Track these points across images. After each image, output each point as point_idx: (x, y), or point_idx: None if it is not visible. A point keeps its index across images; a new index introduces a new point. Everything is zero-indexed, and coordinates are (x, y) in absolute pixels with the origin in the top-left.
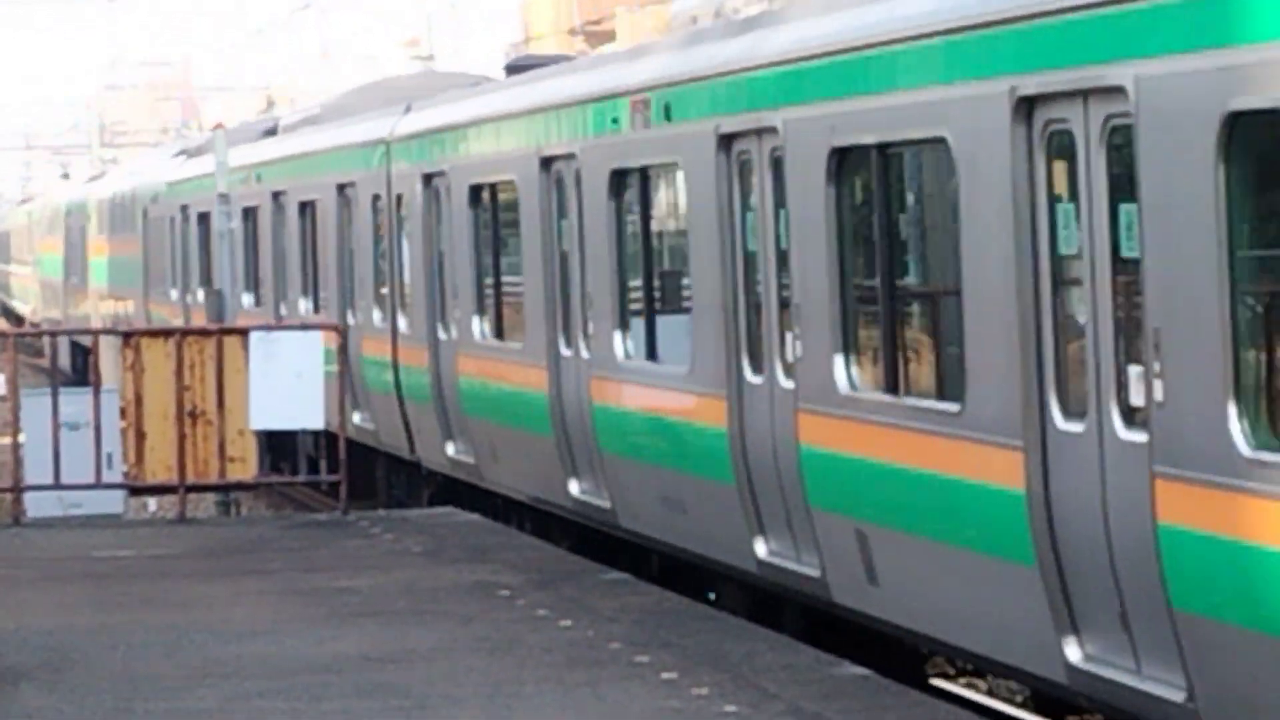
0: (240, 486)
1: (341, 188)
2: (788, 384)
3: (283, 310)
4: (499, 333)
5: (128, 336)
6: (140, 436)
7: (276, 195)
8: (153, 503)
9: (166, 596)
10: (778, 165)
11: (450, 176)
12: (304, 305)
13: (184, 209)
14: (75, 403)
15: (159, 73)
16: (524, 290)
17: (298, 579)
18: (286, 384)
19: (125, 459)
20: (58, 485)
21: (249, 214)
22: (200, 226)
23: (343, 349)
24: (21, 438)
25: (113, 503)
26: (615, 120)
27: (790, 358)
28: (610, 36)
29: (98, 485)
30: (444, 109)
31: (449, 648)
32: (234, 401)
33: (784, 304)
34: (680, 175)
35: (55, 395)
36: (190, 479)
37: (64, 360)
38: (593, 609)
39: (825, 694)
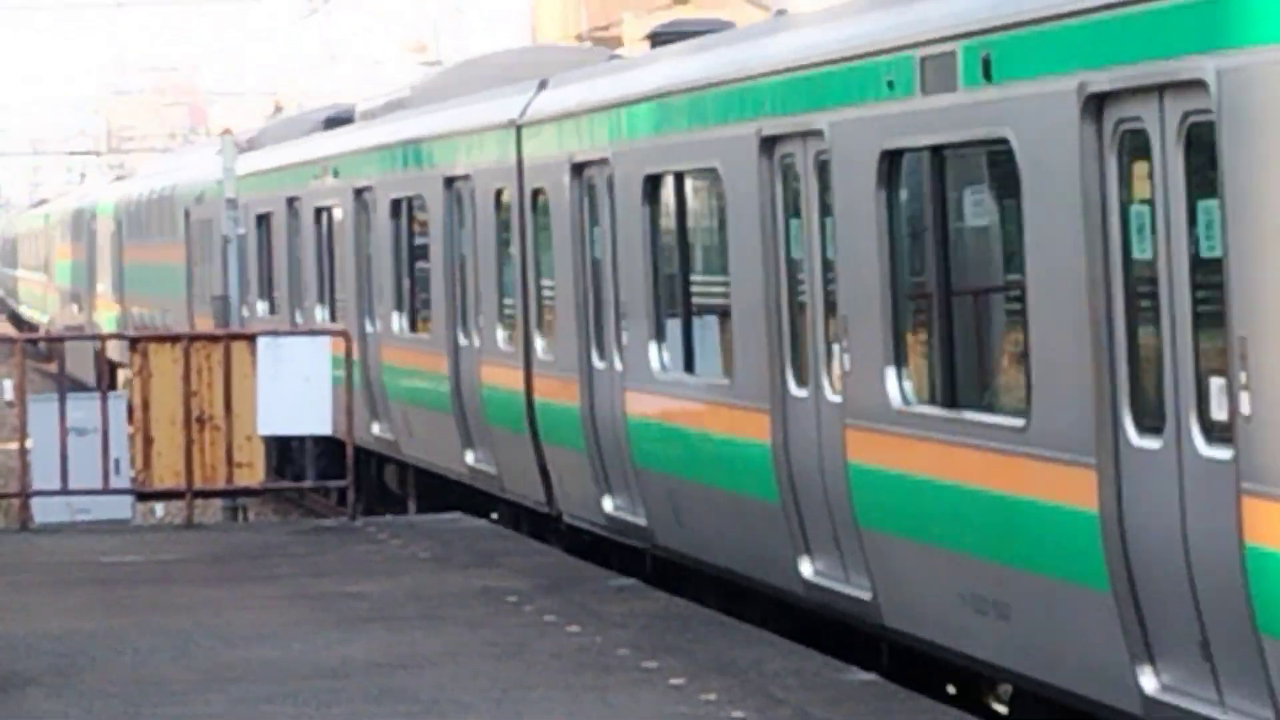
0: (248, 492)
1: (450, 182)
2: (1214, 452)
3: (368, 327)
4: (689, 364)
5: (135, 342)
6: (148, 442)
7: (360, 192)
8: (160, 508)
9: (174, 601)
10: (1195, 136)
11: (615, 165)
12: (397, 321)
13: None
14: (83, 408)
15: (166, 77)
16: (732, 311)
17: (306, 584)
18: (294, 389)
19: (133, 464)
20: (65, 491)
21: (320, 214)
22: (260, 229)
23: (348, 355)
24: (29, 443)
25: (120, 508)
26: (892, 84)
27: (1222, 414)
28: (618, 42)
29: (105, 491)
30: (601, 82)
31: (457, 653)
32: (242, 407)
33: (1201, 336)
34: (1012, 154)
35: (63, 400)
36: (198, 484)
37: (89, 374)
38: (600, 615)
39: (833, 699)
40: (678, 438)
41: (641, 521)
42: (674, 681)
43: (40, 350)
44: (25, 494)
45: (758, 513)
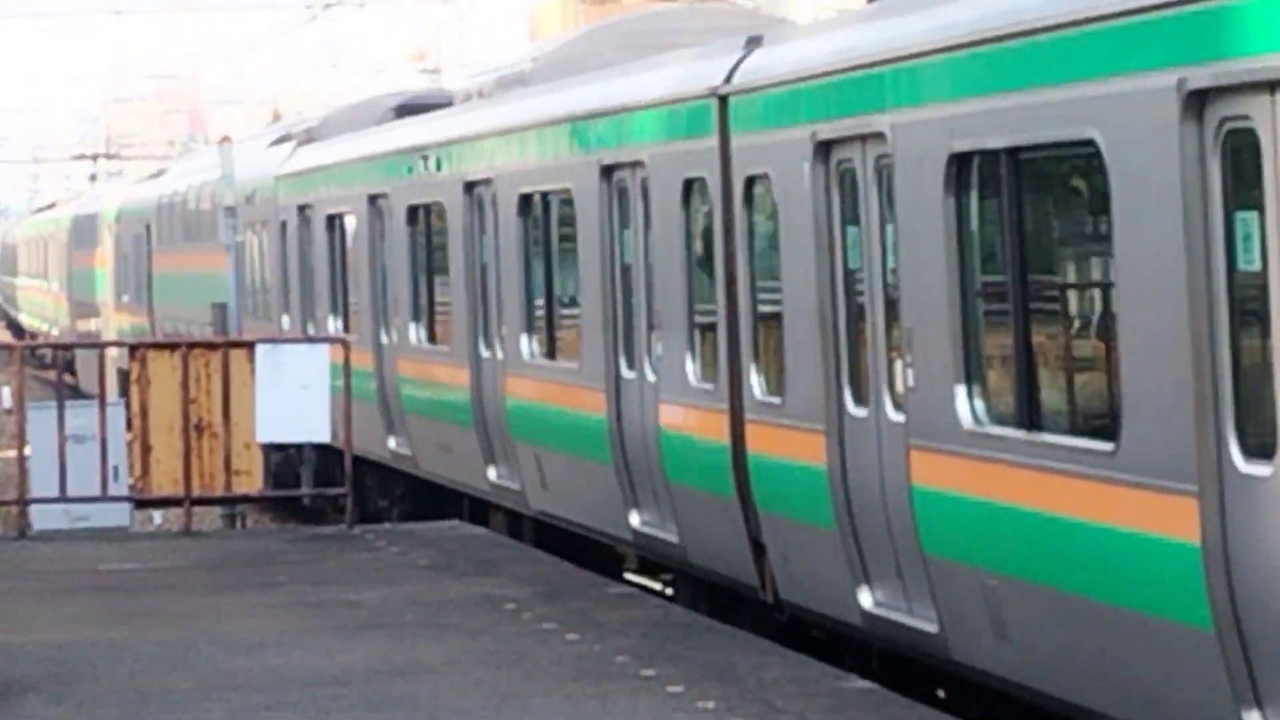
0: (246, 499)
1: (609, 170)
2: None
3: (484, 351)
4: (1032, 419)
5: (134, 349)
6: (146, 449)
7: (472, 187)
8: (158, 516)
9: (173, 609)
10: None
11: (895, 142)
12: (526, 345)
13: (303, 209)
14: (81, 415)
15: (166, 85)
16: (1119, 343)
17: (305, 592)
18: (293, 397)
19: (131, 472)
20: (64, 498)
21: (415, 214)
22: (331, 232)
23: (346, 363)
24: (28, 450)
25: (119, 515)
26: None
27: None
28: None
29: (103, 498)
30: (862, 31)
31: (456, 660)
32: (240, 414)
33: None
34: None
35: (61, 408)
36: (196, 492)
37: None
38: (599, 622)
39: (832, 707)
40: (1014, 523)
41: (929, 627)
42: (672, 689)
43: (44, 359)
44: (24, 501)
45: (1173, 638)
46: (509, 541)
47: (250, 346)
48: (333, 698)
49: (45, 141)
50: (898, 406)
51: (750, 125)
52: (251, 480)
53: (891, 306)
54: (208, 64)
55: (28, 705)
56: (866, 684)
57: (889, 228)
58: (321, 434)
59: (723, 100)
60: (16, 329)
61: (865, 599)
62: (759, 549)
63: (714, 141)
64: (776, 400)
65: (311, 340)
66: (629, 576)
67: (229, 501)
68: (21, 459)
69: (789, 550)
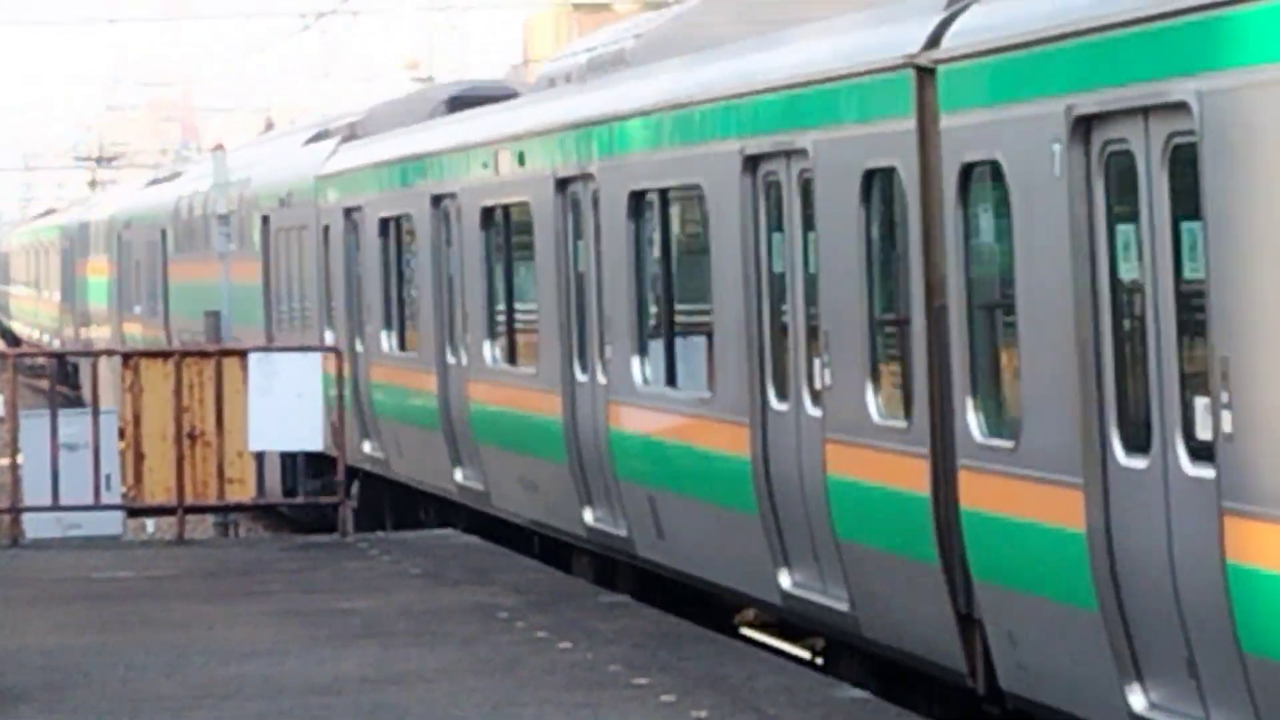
0: (239, 508)
1: (754, 162)
2: None
3: (579, 375)
4: None
5: (127, 357)
6: (139, 458)
7: (564, 184)
8: (151, 524)
9: (166, 617)
10: None
11: (1204, 115)
12: (639, 370)
13: (350, 213)
14: (74, 424)
15: (160, 94)
16: None
17: (297, 600)
18: (286, 405)
19: (124, 480)
20: (56, 506)
21: (490, 217)
22: (384, 238)
23: (339, 373)
24: (20, 459)
25: (111, 524)
26: None
27: None
28: None
29: (96, 506)
30: None
31: (449, 669)
32: (233, 423)
33: None
34: None
35: (54, 416)
36: (189, 500)
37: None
38: (592, 631)
39: (824, 716)
40: None
41: None
42: (665, 698)
43: (41, 368)
44: (16, 509)
45: None
46: (501, 550)
47: (243, 355)
48: (325, 706)
49: (38, 148)
50: (1197, 458)
51: (968, 101)
52: (245, 488)
53: (1190, 328)
54: (202, 72)
55: (20, 713)
56: (859, 693)
57: (1186, 225)
58: (314, 442)
59: (922, 72)
60: (11, 337)
61: (1136, 700)
62: (968, 626)
63: (911, 123)
64: (1006, 444)
65: (304, 349)
66: (759, 637)
67: (222, 510)
68: (14, 467)
69: (1019, 632)
